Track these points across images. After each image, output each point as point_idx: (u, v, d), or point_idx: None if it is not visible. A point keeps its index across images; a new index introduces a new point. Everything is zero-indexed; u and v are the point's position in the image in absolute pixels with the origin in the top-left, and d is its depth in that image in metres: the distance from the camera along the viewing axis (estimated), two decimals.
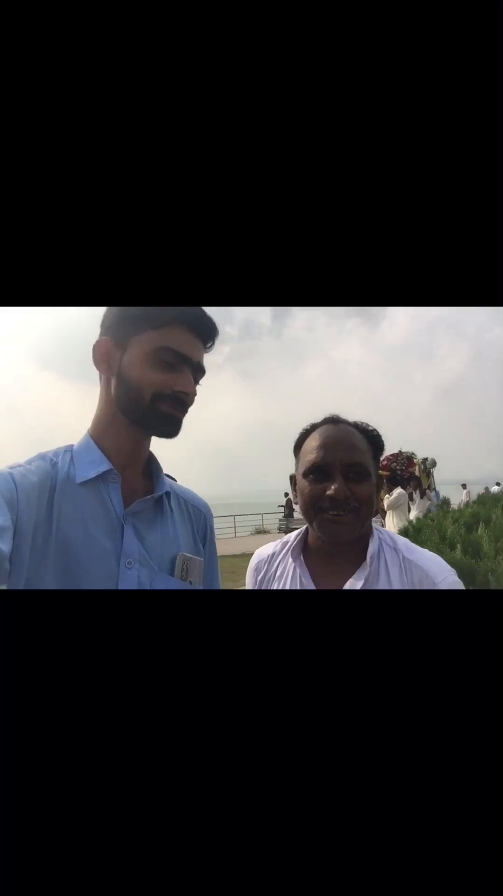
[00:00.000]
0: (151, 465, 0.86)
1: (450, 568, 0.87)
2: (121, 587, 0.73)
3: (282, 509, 14.18)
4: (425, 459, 9.75)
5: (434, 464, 9.76)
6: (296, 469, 0.94)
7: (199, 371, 0.80)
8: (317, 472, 0.87)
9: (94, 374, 0.81)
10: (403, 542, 0.91)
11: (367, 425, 0.93)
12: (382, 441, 0.94)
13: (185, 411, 0.79)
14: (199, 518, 0.90)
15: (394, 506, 6.51)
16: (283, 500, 13.04)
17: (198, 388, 0.80)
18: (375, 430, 0.93)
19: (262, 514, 17.96)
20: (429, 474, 9.73)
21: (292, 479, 0.97)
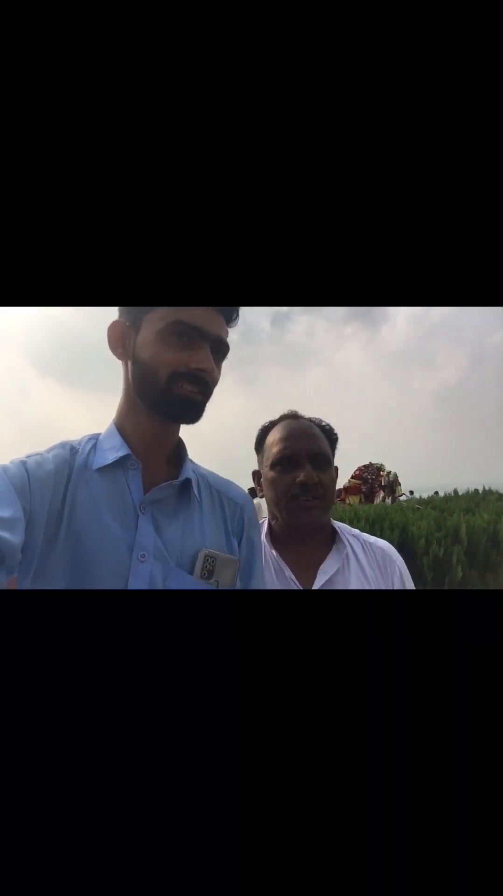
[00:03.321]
0: (179, 451, 0.79)
1: None
2: (131, 581, 0.67)
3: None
4: (388, 472, 10.85)
5: (396, 476, 10.92)
6: (261, 464, 0.98)
7: (219, 346, 0.73)
8: (285, 462, 0.92)
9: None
10: (356, 530, 1.00)
11: (321, 420, 1.00)
12: (336, 434, 1.00)
13: (207, 394, 0.72)
14: (234, 512, 0.80)
15: None
16: None
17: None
18: (328, 424, 1.00)
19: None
20: (396, 483, 10.82)
21: (255, 474, 1.00)
